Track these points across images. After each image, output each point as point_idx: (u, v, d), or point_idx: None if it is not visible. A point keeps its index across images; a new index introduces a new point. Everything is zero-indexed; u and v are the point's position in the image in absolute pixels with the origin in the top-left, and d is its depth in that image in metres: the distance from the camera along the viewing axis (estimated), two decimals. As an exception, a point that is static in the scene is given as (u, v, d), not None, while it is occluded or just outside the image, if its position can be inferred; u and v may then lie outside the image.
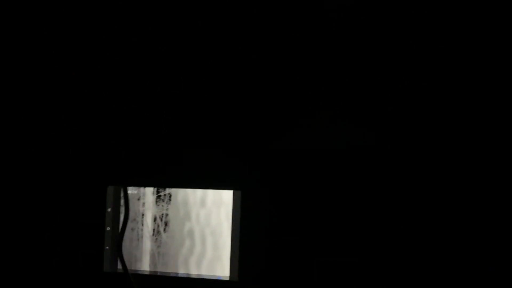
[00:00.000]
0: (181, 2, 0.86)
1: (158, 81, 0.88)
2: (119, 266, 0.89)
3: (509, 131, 0.79)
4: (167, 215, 0.88)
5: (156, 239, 0.89)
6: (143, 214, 0.89)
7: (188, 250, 0.87)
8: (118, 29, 0.88)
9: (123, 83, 0.89)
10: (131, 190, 0.90)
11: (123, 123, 0.89)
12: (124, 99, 0.89)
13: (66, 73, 0.90)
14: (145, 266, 0.89)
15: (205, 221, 0.87)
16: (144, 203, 0.89)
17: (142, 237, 0.89)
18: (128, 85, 0.89)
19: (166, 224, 0.88)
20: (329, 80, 0.83)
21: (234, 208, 0.86)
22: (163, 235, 0.88)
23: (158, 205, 0.89)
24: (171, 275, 0.88)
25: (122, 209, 0.89)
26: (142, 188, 0.90)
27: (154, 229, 0.89)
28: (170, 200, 0.89)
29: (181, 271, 0.88)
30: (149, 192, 0.89)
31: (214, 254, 0.86)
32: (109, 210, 0.90)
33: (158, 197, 0.89)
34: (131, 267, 0.89)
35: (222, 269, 0.86)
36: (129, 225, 0.89)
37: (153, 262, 0.89)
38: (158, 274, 0.88)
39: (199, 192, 0.88)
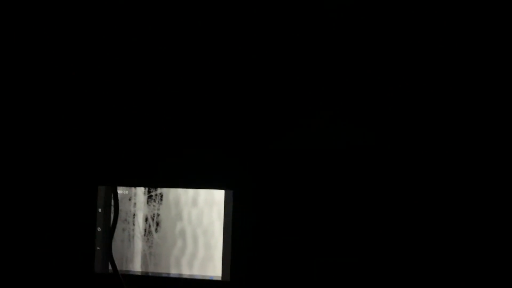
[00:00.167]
0: (181, 2, 0.85)
1: (149, 81, 0.88)
2: (110, 267, 0.88)
3: (509, 131, 0.78)
4: (158, 215, 0.88)
5: (148, 239, 0.88)
6: (134, 214, 0.89)
7: (180, 250, 0.87)
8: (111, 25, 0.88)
9: (113, 83, 0.89)
10: (122, 190, 0.89)
11: (114, 123, 0.89)
12: (114, 100, 0.89)
13: (57, 73, 0.90)
14: (137, 266, 0.88)
15: (197, 221, 0.87)
16: (135, 203, 0.89)
17: (133, 237, 0.89)
18: (118, 85, 0.88)
19: (157, 224, 0.88)
20: (329, 80, 0.83)
21: (226, 208, 0.86)
22: (155, 235, 0.88)
23: (150, 205, 0.88)
24: (163, 275, 0.87)
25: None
26: (133, 188, 0.89)
27: (145, 229, 0.88)
28: (161, 200, 0.88)
29: (173, 272, 0.87)
30: (140, 192, 0.89)
31: (206, 254, 0.86)
32: (100, 210, 0.89)
33: (150, 197, 0.88)
34: (122, 267, 0.88)
35: (214, 269, 0.86)
36: (120, 225, 0.89)
37: (144, 262, 0.88)
38: (150, 274, 0.88)
39: (190, 191, 0.87)
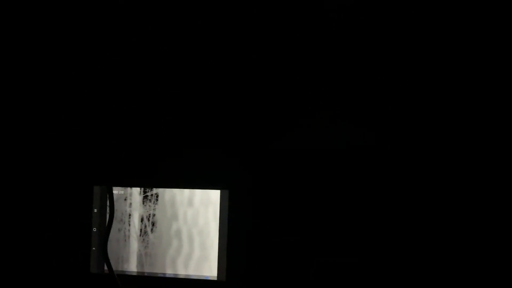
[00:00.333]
0: (181, 2, 0.85)
1: (145, 82, 0.88)
2: (106, 267, 0.88)
3: (509, 131, 0.79)
4: (154, 215, 0.88)
5: (143, 239, 0.88)
6: (130, 215, 0.89)
7: (176, 250, 0.87)
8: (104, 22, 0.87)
9: (109, 83, 0.88)
10: (118, 190, 0.89)
11: (109, 123, 0.89)
12: (110, 100, 0.88)
13: (53, 73, 0.89)
14: (132, 266, 0.88)
15: (193, 221, 0.87)
16: (131, 203, 0.89)
17: (129, 237, 0.89)
18: (114, 85, 0.88)
19: (153, 224, 0.88)
20: (329, 80, 0.83)
21: (222, 208, 0.86)
22: (150, 235, 0.88)
23: (145, 205, 0.88)
24: (159, 275, 0.88)
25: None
26: (128, 188, 0.89)
27: (141, 230, 0.88)
28: (157, 200, 0.88)
29: (169, 272, 0.87)
30: (135, 192, 0.89)
31: (202, 254, 0.86)
32: (95, 210, 0.89)
33: (145, 197, 0.88)
34: (118, 268, 0.88)
35: (210, 269, 0.86)
36: (116, 225, 0.89)
37: (140, 262, 0.88)
38: (146, 274, 0.88)
39: (186, 192, 0.87)
